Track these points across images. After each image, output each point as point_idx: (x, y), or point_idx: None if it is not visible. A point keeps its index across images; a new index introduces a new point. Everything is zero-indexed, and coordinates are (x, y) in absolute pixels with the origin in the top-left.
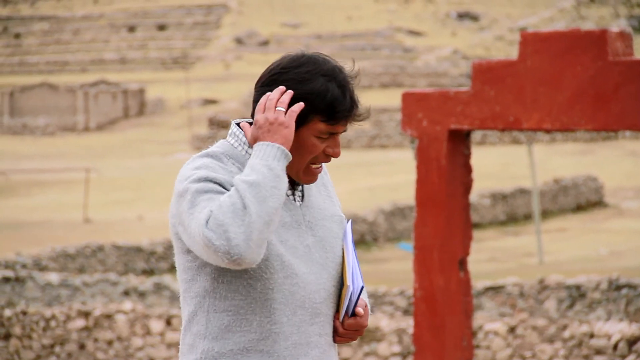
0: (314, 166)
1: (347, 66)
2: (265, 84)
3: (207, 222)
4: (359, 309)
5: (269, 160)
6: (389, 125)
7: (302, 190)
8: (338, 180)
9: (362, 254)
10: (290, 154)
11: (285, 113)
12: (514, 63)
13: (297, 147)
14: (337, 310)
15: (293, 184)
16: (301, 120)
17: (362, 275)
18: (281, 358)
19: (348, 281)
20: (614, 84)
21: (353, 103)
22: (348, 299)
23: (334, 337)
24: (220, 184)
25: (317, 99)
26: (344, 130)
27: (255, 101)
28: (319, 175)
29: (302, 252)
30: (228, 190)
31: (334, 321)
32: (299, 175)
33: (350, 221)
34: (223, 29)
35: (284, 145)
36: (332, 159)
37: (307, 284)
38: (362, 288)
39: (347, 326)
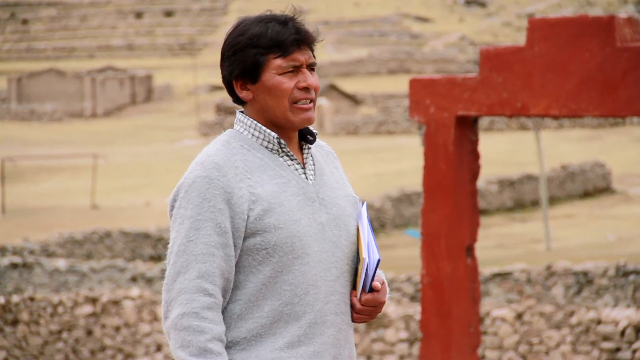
0: (299, 104)
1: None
2: (228, 54)
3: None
4: (376, 283)
5: None
6: (396, 111)
7: (314, 169)
8: (345, 167)
9: None
10: None
11: None
12: (521, 49)
13: (268, 92)
14: (354, 288)
15: (302, 162)
16: (258, 66)
17: (379, 251)
18: (295, 338)
19: (364, 254)
20: (621, 70)
21: (298, 30)
22: (365, 272)
23: (351, 315)
24: (220, 191)
25: (261, 39)
26: (311, 64)
27: (234, 65)
28: (331, 159)
29: (315, 230)
30: (227, 196)
31: (351, 298)
32: (289, 117)
33: (365, 203)
34: (230, 15)
35: None
36: (311, 94)
37: (318, 263)
38: (379, 261)
39: (365, 302)
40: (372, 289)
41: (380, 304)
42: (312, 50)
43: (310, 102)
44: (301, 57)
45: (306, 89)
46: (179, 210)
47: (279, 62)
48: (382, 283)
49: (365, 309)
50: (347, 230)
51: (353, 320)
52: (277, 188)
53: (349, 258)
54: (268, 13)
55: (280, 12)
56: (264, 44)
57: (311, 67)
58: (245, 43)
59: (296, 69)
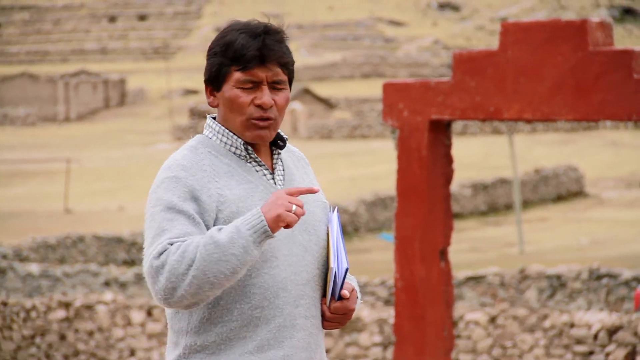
0: (254, 120)
1: (279, 25)
2: (207, 57)
3: (159, 254)
4: (345, 292)
5: (246, 228)
6: (370, 115)
7: (283, 175)
8: (319, 171)
9: None
10: (271, 233)
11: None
12: (494, 53)
13: (227, 103)
14: (325, 295)
15: (272, 167)
16: (221, 76)
17: (348, 260)
18: (264, 342)
19: (332, 263)
20: (594, 74)
21: (263, 46)
22: (332, 281)
23: (322, 322)
24: (189, 189)
25: (228, 49)
26: (276, 81)
27: (206, 69)
28: (302, 165)
29: (284, 233)
30: (196, 194)
31: (321, 305)
32: (242, 132)
33: (336, 208)
34: (204, 18)
35: (272, 224)
36: (268, 112)
37: (288, 266)
38: (347, 270)
39: (334, 310)
40: (340, 297)
41: (350, 311)
42: (284, 67)
43: (266, 120)
44: (262, 73)
45: (261, 106)
46: (150, 210)
47: (238, 75)
48: (352, 290)
49: (335, 317)
50: (317, 235)
51: (323, 326)
52: (245, 193)
53: (319, 262)
54: (254, 22)
55: (264, 24)
56: (228, 55)
57: (276, 84)
58: (217, 50)
59: (256, 85)
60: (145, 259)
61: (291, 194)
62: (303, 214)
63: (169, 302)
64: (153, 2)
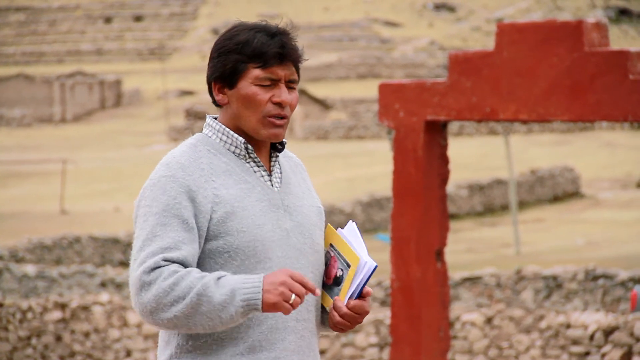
0: (271, 118)
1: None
2: (213, 56)
3: (151, 270)
4: (369, 288)
5: (240, 298)
6: (366, 116)
7: (280, 177)
8: (315, 172)
9: None
10: (259, 309)
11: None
12: (490, 54)
13: (242, 100)
14: (325, 296)
15: (269, 170)
16: (237, 72)
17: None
18: (256, 343)
19: (365, 257)
20: (590, 75)
21: (283, 45)
22: (360, 276)
23: (329, 323)
24: (185, 189)
25: (245, 46)
26: (291, 80)
27: (215, 66)
28: (299, 170)
29: (279, 235)
30: (191, 195)
31: (334, 304)
32: (258, 129)
33: (354, 222)
34: (200, 19)
35: (265, 307)
36: (284, 110)
37: (281, 268)
38: (375, 268)
39: (352, 307)
40: (359, 296)
41: (365, 312)
42: (297, 68)
43: (282, 119)
44: (281, 71)
45: (279, 104)
46: (144, 209)
47: (257, 72)
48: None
49: (350, 315)
50: (312, 239)
51: (333, 328)
52: (241, 193)
53: (313, 266)
54: (263, 22)
55: (275, 24)
56: (246, 52)
57: (291, 83)
58: (230, 48)
59: (274, 83)
60: (133, 265)
61: (297, 280)
62: (300, 303)
63: (145, 319)
64: (149, 3)
